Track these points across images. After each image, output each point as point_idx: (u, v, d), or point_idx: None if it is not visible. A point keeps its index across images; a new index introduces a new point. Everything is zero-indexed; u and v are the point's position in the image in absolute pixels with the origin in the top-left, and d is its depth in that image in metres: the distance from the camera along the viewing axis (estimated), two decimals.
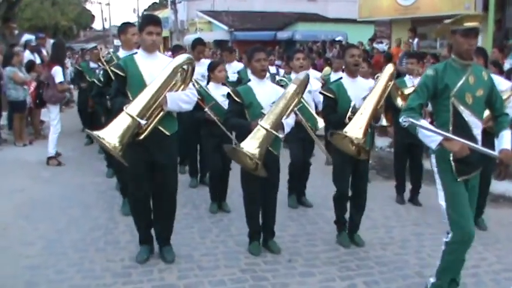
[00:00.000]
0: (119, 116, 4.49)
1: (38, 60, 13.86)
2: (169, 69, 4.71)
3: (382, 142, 11.00)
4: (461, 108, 4.18)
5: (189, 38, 34.92)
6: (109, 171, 8.55)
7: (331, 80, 8.62)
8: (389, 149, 10.49)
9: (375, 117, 5.44)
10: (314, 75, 9.82)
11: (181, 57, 4.89)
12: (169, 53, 19.45)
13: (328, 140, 5.73)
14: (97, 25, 64.23)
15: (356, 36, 23.00)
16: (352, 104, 5.39)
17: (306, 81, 5.39)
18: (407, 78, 7.44)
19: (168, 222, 5.28)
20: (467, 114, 4.20)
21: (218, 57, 20.23)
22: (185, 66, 4.86)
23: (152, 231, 5.35)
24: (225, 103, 6.51)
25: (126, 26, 6.68)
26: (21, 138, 11.49)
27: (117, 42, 50.21)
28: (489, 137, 4.68)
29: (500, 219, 6.85)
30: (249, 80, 5.49)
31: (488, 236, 6.17)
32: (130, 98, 4.76)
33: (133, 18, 59.32)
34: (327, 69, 13.00)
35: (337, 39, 21.82)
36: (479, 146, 4.15)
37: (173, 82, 4.80)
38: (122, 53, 6.52)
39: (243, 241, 5.71)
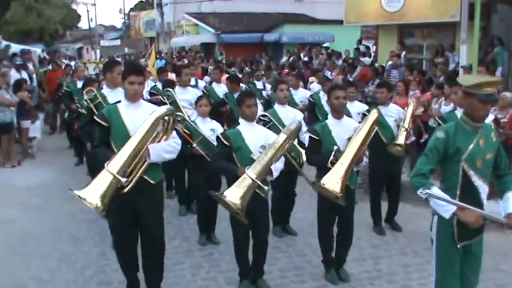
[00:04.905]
0: (101, 174, 4.39)
1: (25, 77, 13.88)
2: (149, 122, 4.65)
3: None
4: (471, 172, 4.02)
5: (176, 41, 34.81)
6: None
7: (321, 99, 8.67)
8: None
9: (356, 161, 5.43)
10: (303, 94, 9.86)
11: (162, 109, 4.86)
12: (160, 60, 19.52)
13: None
14: (83, 24, 63.79)
15: (343, 38, 23.03)
16: (335, 148, 5.40)
17: (296, 131, 5.39)
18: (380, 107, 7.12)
19: (158, 270, 5.22)
20: (476, 179, 4.05)
21: (206, 64, 20.26)
22: (166, 117, 4.83)
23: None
24: (212, 137, 6.52)
25: (112, 64, 6.60)
26: (10, 159, 11.47)
27: (103, 42, 50.26)
28: None
29: (485, 244, 6.75)
30: (238, 124, 5.50)
31: None
32: (114, 148, 4.74)
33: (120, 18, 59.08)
34: (313, 79, 13.06)
35: (324, 45, 21.94)
36: (490, 214, 4.02)
37: (154, 134, 4.77)
38: (105, 91, 6.47)
39: (233, 278, 5.75)
